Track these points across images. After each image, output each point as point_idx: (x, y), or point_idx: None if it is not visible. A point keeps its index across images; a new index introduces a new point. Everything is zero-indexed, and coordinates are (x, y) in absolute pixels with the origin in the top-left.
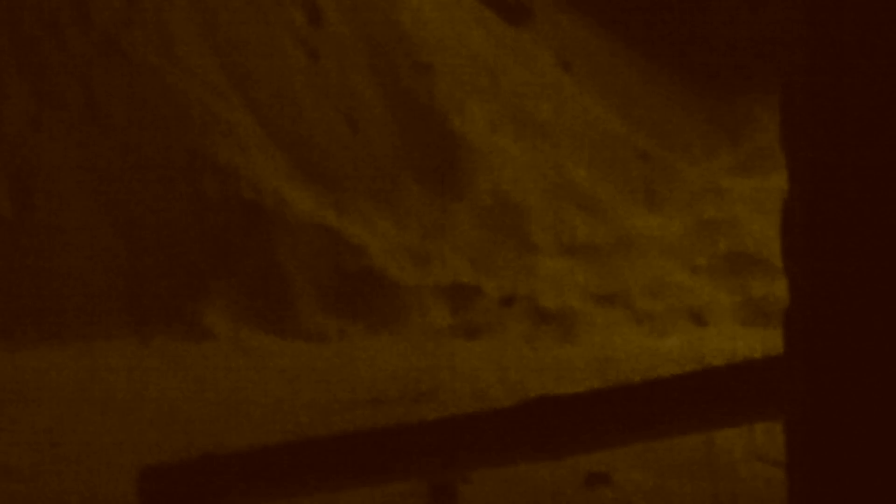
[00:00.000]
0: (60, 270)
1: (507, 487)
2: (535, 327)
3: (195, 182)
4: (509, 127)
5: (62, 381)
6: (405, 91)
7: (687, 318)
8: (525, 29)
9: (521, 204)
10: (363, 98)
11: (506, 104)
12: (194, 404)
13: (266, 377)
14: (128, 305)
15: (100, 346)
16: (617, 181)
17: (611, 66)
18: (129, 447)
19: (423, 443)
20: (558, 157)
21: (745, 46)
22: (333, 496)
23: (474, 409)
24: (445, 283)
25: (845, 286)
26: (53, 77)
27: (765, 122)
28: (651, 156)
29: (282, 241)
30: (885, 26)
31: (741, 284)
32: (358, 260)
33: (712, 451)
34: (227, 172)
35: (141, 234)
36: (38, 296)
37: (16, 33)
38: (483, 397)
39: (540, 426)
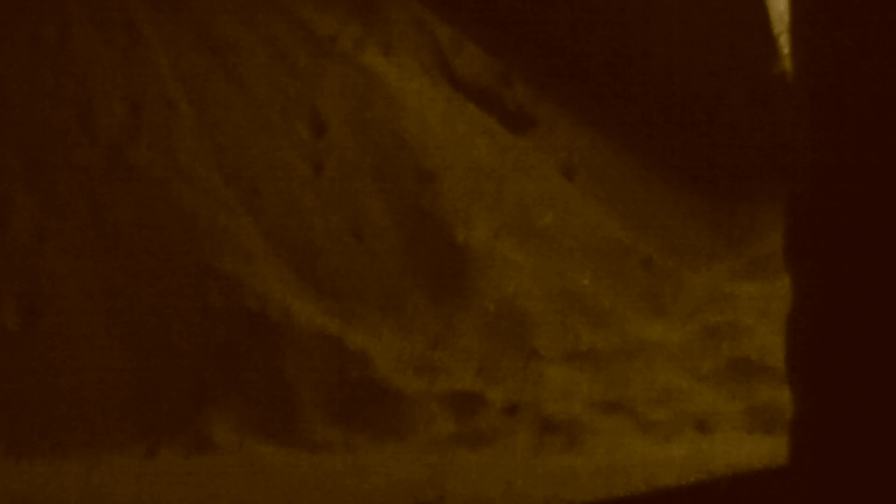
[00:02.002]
0: (66, 381)
1: None
2: (540, 436)
3: (201, 293)
4: (513, 235)
5: (67, 492)
6: (409, 200)
7: (692, 426)
8: (528, 137)
9: (526, 311)
10: (368, 208)
11: (509, 212)
12: None
13: (272, 488)
14: (133, 416)
15: (105, 457)
16: (621, 288)
17: (614, 174)
18: None
19: None
20: (562, 265)
21: (747, 152)
22: None
23: None
24: (450, 391)
25: (849, 398)
26: (59, 189)
27: (767, 227)
28: (655, 262)
29: (287, 351)
30: (882, 150)
31: (746, 391)
32: (363, 369)
33: None
34: (232, 283)
35: (147, 345)
36: (44, 406)
37: (22, 145)
38: None
39: None
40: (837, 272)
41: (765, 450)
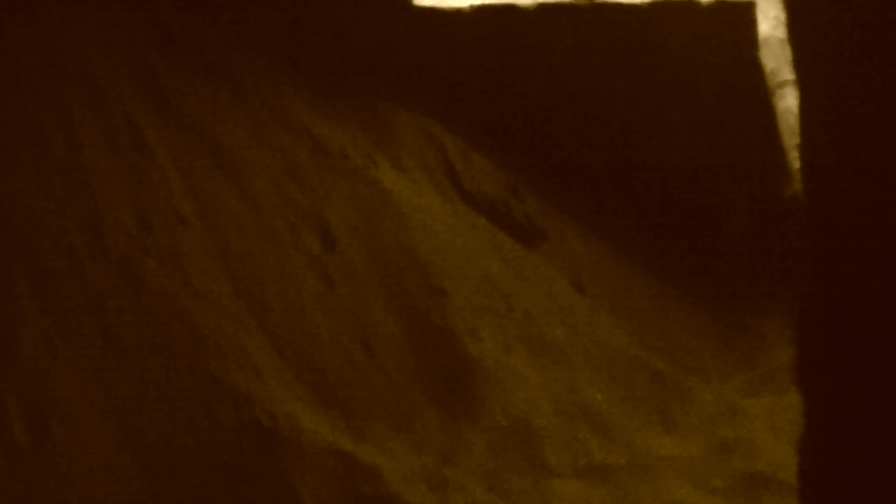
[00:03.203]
0: (75, 497)
1: None
2: None
3: (211, 408)
4: (523, 349)
5: None
6: (419, 314)
7: None
8: (538, 249)
9: (536, 426)
10: (377, 322)
11: (519, 326)
12: None
13: None
14: None
15: None
16: (631, 402)
17: (624, 287)
18: None
19: None
20: (572, 379)
21: (757, 266)
22: None
23: None
24: None
25: None
26: (68, 304)
27: (778, 340)
28: (665, 376)
29: (297, 467)
30: (891, 272)
31: None
32: (373, 485)
33: None
34: (242, 398)
35: (156, 461)
36: None
37: (31, 260)
38: None
39: None
40: (848, 391)
41: None
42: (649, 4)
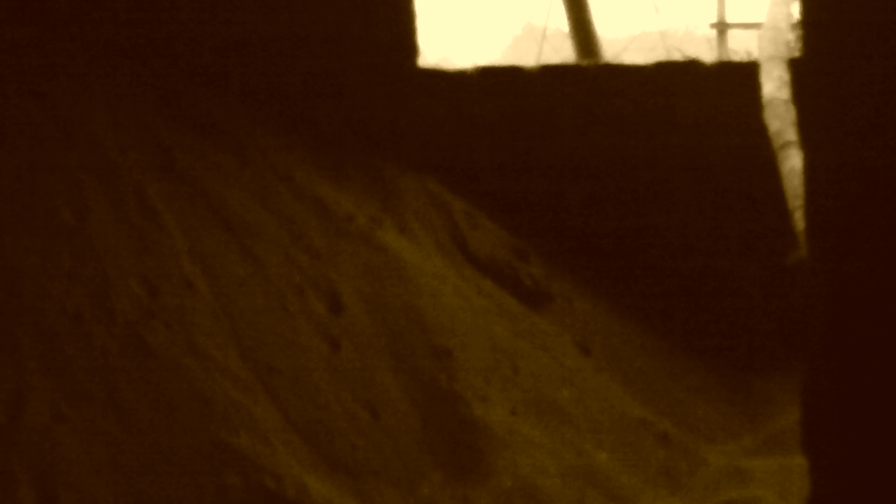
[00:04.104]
0: None
1: None
2: None
3: (218, 474)
4: (529, 411)
5: None
6: (425, 377)
7: None
8: (544, 313)
9: (542, 488)
10: (383, 385)
11: (526, 389)
12: None
13: None
14: None
15: None
16: (638, 464)
17: (630, 348)
18: None
19: None
20: (579, 442)
21: (763, 327)
22: None
23: None
24: None
25: None
26: (75, 370)
27: (783, 402)
28: (671, 438)
29: None
30: None
31: None
32: None
33: None
34: (249, 462)
35: None
36: None
37: (38, 327)
38: None
39: None
40: (856, 454)
41: None
42: (653, 66)
